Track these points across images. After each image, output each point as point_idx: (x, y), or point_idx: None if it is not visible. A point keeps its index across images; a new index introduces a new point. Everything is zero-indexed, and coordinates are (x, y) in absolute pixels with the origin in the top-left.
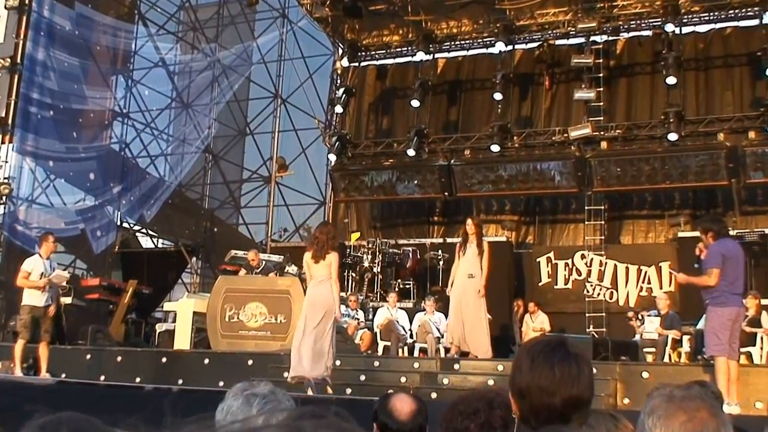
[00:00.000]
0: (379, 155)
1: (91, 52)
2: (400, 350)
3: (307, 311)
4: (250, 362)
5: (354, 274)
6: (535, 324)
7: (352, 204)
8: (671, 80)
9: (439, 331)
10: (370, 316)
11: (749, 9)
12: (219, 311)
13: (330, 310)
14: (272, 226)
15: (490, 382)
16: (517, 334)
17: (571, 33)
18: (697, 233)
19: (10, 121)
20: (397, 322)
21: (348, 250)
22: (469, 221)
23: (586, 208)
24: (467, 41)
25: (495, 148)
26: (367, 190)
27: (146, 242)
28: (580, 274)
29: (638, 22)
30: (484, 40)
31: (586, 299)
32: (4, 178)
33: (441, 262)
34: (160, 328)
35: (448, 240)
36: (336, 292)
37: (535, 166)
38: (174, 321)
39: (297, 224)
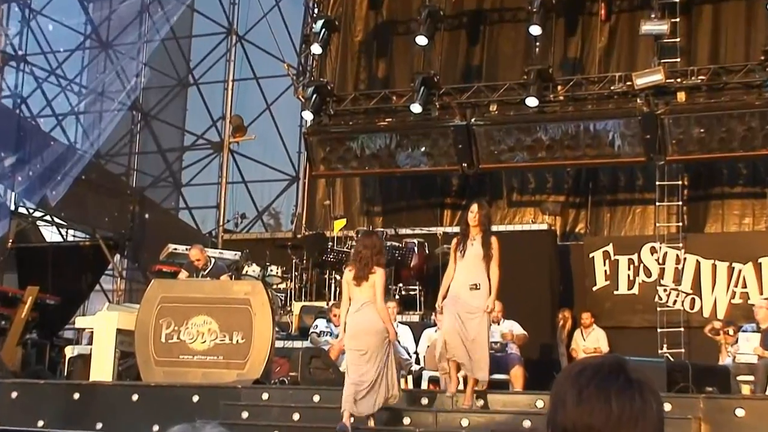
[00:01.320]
0: (372, 113)
1: None
2: (402, 380)
3: (351, 344)
4: (195, 398)
5: (338, 277)
6: (587, 343)
7: (335, 180)
8: None
9: None
10: None
11: None
12: (152, 328)
13: (381, 334)
14: (225, 212)
15: (526, 424)
16: (563, 356)
17: None
18: None
19: None
20: (398, 341)
21: (330, 243)
22: (473, 207)
23: (657, 183)
24: None
25: (532, 102)
26: (356, 161)
27: (51, 234)
28: (649, 275)
29: None
30: None
31: (658, 309)
32: None
33: None
34: (70, 352)
35: None
36: (385, 314)
37: (586, 127)
38: (90, 342)
39: (259, 208)
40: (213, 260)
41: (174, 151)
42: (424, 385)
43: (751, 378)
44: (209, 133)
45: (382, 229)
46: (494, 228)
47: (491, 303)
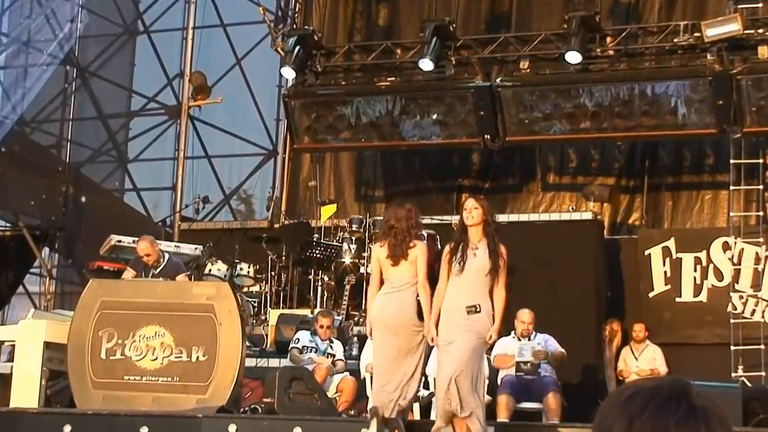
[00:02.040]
0: (370, 70)
1: None
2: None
3: (383, 334)
4: (144, 430)
5: (326, 278)
6: (640, 362)
7: (323, 156)
8: None
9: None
10: (354, 350)
11: None
12: (90, 342)
13: (413, 327)
14: (183, 195)
15: None
16: (610, 379)
17: None
18: None
19: None
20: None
21: (315, 236)
22: (468, 203)
23: (731, 162)
24: None
25: (573, 57)
26: (350, 132)
27: None
28: (721, 278)
29: None
30: None
31: (732, 320)
32: None
33: None
34: None
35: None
36: (428, 298)
37: (642, 90)
38: (11, 359)
39: (227, 190)
40: (167, 256)
41: (118, 117)
42: (434, 415)
43: None
44: (163, 95)
45: (381, 219)
46: (526, 217)
47: (495, 332)
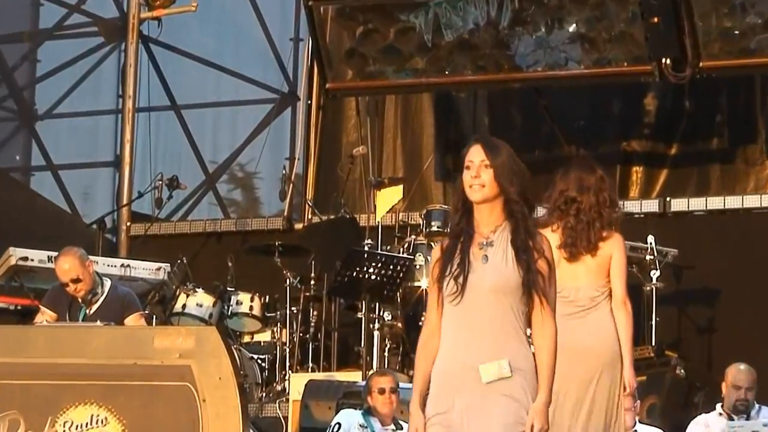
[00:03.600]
0: None
1: None
2: None
3: (561, 386)
4: None
5: (388, 316)
6: None
7: (377, 102)
8: None
9: None
10: None
11: None
12: None
13: (617, 362)
14: (133, 174)
15: None
16: None
17: None
18: None
19: None
20: None
21: (368, 242)
22: (474, 153)
23: None
24: None
25: None
26: (424, 58)
27: None
28: None
29: None
30: None
31: None
32: None
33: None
34: None
35: (671, 205)
36: (627, 333)
37: None
38: None
39: (210, 166)
40: (108, 283)
41: (17, 41)
42: None
43: None
44: (91, 1)
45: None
46: (739, 203)
47: (540, 414)
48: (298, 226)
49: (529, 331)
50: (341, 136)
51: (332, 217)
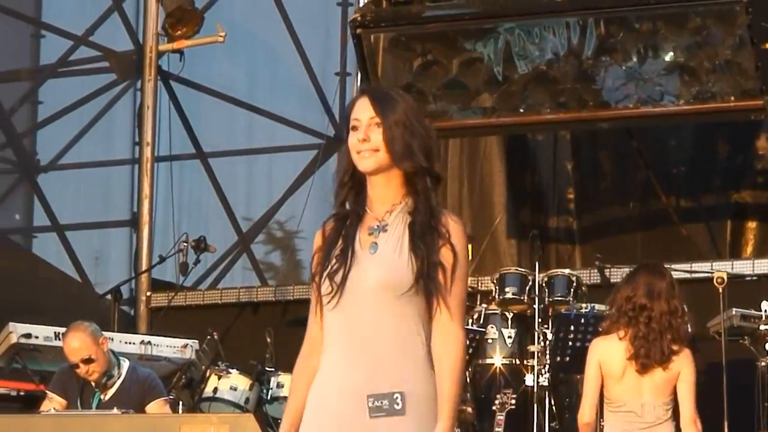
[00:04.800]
0: None
1: None
2: None
3: None
4: None
5: (469, 409)
6: None
7: (439, 145)
8: None
9: None
10: None
11: None
12: None
13: None
14: (152, 235)
15: None
16: None
17: None
18: None
19: None
20: None
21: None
22: (361, 105)
23: None
24: None
25: None
26: (492, 93)
27: None
28: None
29: None
30: None
31: None
32: None
33: None
34: None
35: None
36: None
37: None
38: None
39: (243, 225)
40: (126, 364)
41: (16, 80)
42: None
43: None
44: (105, 30)
45: (574, 273)
46: None
47: None
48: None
49: None
50: None
51: None
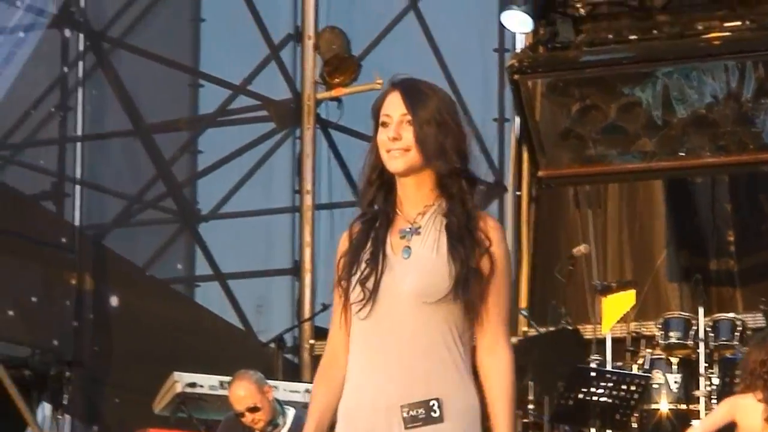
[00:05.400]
0: (683, 10)
1: None
2: None
3: None
4: None
5: None
6: None
7: (599, 191)
8: None
9: None
10: None
11: None
12: None
13: None
14: (314, 282)
15: None
16: None
17: None
18: None
19: None
20: None
21: (594, 358)
22: (392, 103)
23: None
24: None
25: None
26: (652, 138)
27: None
28: None
29: None
30: None
31: None
32: None
33: None
34: None
35: None
36: None
37: None
38: None
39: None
40: (291, 413)
41: (174, 130)
42: None
43: None
44: (263, 79)
45: (739, 317)
46: None
47: None
48: (512, 340)
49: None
50: (558, 233)
51: (551, 329)
